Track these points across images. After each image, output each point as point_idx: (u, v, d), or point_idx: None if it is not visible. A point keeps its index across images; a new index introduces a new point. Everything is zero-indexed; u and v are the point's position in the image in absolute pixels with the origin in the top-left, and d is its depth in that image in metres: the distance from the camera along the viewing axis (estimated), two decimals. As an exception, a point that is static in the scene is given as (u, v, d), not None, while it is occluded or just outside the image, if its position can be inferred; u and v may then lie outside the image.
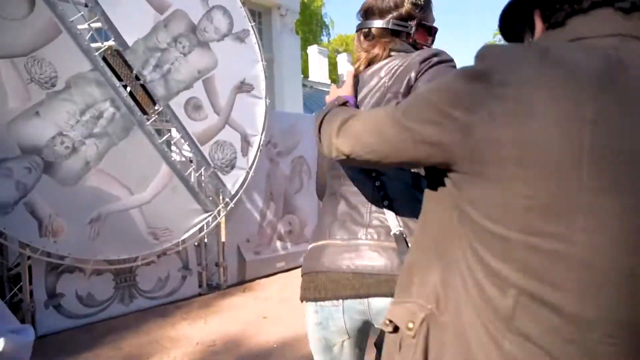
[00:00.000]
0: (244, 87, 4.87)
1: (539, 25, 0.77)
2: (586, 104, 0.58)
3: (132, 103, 4.04)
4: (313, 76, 19.90)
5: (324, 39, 36.05)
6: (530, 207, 0.60)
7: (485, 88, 0.65)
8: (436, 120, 0.73)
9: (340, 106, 1.19)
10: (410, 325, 0.78)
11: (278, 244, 5.61)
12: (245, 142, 4.91)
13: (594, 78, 0.59)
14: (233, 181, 4.83)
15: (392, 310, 0.86)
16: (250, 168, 4.96)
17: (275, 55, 13.14)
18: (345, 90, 1.33)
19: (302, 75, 16.68)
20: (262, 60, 5.03)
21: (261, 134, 5.03)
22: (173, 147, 5.02)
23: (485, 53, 0.70)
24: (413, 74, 1.27)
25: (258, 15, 13.29)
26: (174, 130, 4.62)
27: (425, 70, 1.25)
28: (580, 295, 0.57)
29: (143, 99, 4.20)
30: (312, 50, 20.86)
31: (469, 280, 0.69)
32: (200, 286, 4.91)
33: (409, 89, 1.27)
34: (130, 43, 4.01)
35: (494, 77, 0.65)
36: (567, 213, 0.58)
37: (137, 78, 4.11)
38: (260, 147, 5.03)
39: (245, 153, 4.92)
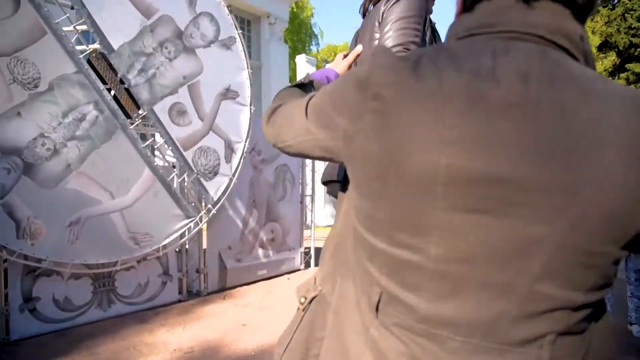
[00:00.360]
0: (229, 93, 4.89)
1: (457, 7, 0.73)
2: (446, 124, 0.57)
3: (115, 106, 4.03)
4: (301, 85, 19.95)
5: (313, 48, 36.26)
6: (391, 221, 0.63)
7: (364, 99, 0.64)
8: (328, 124, 0.73)
9: (295, 87, 1.09)
10: (302, 300, 0.91)
11: (260, 251, 5.61)
12: (229, 148, 4.92)
13: (460, 94, 0.58)
14: (216, 187, 4.83)
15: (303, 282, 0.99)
16: (234, 175, 4.96)
17: (263, 63, 13.18)
18: (335, 65, 1.25)
19: (290, 84, 16.71)
20: (247, 68, 5.05)
21: (245, 141, 5.04)
22: (156, 152, 5.00)
23: (373, 59, 0.66)
24: (382, 8, 1.26)
25: (247, 22, 13.33)
26: (157, 135, 4.61)
27: (391, 6, 1.24)
28: (433, 299, 0.62)
29: (127, 102, 4.19)
30: (301, 59, 20.92)
31: (354, 270, 0.75)
32: (180, 292, 4.88)
33: (378, 25, 1.27)
34: (115, 47, 4.00)
35: (370, 89, 0.64)
36: (423, 229, 0.61)
37: (122, 82, 4.10)
38: (244, 154, 5.04)
39: (229, 160, 4.92)
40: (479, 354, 0.61)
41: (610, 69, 20.52)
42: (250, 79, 5.11)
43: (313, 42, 35.82)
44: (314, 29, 35.06)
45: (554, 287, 0.58)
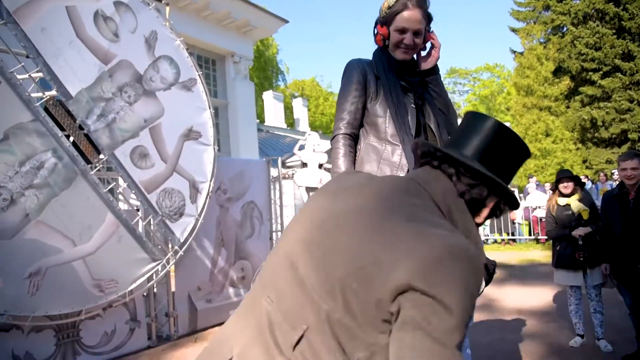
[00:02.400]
0: (191, 134, 4.92)
1: None
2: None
3: (75, 153, 4.00)
4: (269, 121, 20.15)
5: (280, 84, 36.81)
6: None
7: None
8: None
9: None
10: None
11: (231, 290, 5.54)
12: (194, 189, 4.91)
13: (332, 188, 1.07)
14: (182, 229, 4.78)
15: None
16: (200, 215, 4.94)
17: (229, 101, 13.28)
18: None
19: (258, 120, 16.85)
20: (209, 108, 5.11)
21: (210, 181, 5.05)
22: (119, 196, 4.95)
23: None
24: None
25: (212, 62, 13.47)
26: (120, 179, 4.57)
27: None
28: (268, 270, 1.02)
29: (87, 148, 4.16)
30: (268, 95, 21.19)
31: None
32: (149, 338, 4.75)
33: None
34: (73, 93, 4.01)
35: None
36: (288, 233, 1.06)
37: (81, 128, 4.08)
38: (210, 194, 5.03)
39: (194, 200, 4.91)
40: None
41: (565, 92, 21.43)
42: (212, 119, 5.16)
43: (280, 78, 36.34)
44: (280, 65, 35.65)
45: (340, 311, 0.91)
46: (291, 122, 24.07)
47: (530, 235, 11.86)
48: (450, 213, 0.97)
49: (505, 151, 1.03)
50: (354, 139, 2.10)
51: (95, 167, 4.18)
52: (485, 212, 1.04)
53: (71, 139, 4.05)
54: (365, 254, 0.84)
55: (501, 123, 1.05)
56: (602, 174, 13.19)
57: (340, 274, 0.85)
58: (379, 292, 0.81)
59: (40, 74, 3.90)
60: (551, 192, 4.57)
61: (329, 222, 0.93)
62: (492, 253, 10.20)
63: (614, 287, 4.04)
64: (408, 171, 1.90)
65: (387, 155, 1.96)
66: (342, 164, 2.01)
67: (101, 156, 4.24)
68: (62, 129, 4.00)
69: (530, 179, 13.30)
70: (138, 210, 4.69)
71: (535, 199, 11.64)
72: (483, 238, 12.42)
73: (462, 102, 47.10)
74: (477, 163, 0.99)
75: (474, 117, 1.08)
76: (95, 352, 4.27)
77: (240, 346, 0.94)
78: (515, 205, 1.07)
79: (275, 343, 0.89)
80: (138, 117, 4.47)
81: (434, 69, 2.10)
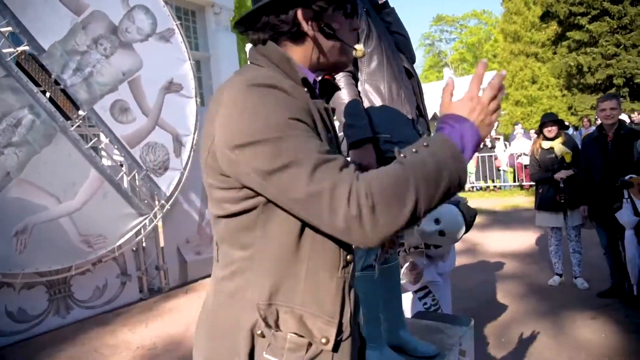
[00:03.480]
0: (172, 87, 4.82)
1: None
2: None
3: (52, 109, 3.91)
4: (253, 74, 19.71)
5: (264, 36, 35.78)
6: None
7: None
8: None
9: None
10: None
11: (220, 242, 5.60)
12: (178, 142, 4.87)
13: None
14: (168, 183, 4.78)
15: None
16: (185, 168, 4.92)
17: (211, 54, 12.95)
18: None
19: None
20: (190, 59, 4.99)
21: (194, 134, 5.00)
22: (102, 152, 4.89)
23: None
24: None
25: (192, 13, 13.01)
26: (102, 135, 4.50)
27: None
28: None
29: (65, 104, 4.07)
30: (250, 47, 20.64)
31: None
32: (141, 291, 4.83)
33: None
34: (46, 47, 3.87)
35: None
36: None
37: (57, 83, 3.97)
38: (194, 147, 5.00)
39: (178, 153, 4.88)
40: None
41: (552, 38, 21.19)
42: (193, 70, 5.05)
43: (263, 30, 35.29)
44: (263, 16, 34.55)
45: (211, 205, 0.94)
46: (276, 75, 23.56)
47: (514, 181, 12.04)
48: (278, 64, 0.90)
49: None
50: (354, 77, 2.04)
51: (75, 123, 4.11)
52: (309, 34, 0.91)
53: (47, 94, 3.95)
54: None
55: None
56: (585, 120, 13.27)
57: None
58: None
59: (10, 28, 3.75)
60: (535, 136, 4.62)
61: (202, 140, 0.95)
62: (477, 200, 10.38)
63: (593, 228, 4.16)
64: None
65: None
66: (345, 95, 1.88)
67: (80, 112, 4.15)
68: (37, 84, 3.89)
69: (515, 126, 13.36)
70: (122, 165, 4.65)
71: (520, 145, 11.73)
72: (468, 186, 12.60)
73: (448, 50, 46.48)
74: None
75: None
76: (87, 306, 4.35)
77: None
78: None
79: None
80: (116, 70, 4.36)
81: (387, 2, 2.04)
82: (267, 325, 0.84)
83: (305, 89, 0.90)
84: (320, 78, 1.02)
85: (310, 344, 0.84)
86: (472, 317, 2.29)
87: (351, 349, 0.91)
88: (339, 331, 0.87)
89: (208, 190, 0.92)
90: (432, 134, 1.89)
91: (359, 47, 1.01)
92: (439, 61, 46.29)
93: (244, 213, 0.85)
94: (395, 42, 1.95)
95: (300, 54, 0.95)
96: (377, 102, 1.73)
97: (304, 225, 0.84)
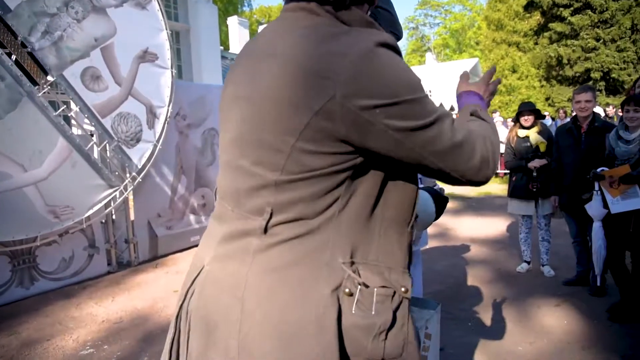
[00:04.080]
0: (147, 56, 4.66)
1: None
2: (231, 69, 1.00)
3: (19, 73, 3.74)
4: (234, 48, 19.36)
5: (246, 9, 35.15)
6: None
7: None
8: None
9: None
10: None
11: (192, 217, 5.53)
12: (151, 114, 4.73)
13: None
14: (140, 155, 4.66)
15: None
16: (158, 141, 4.80)
17: (191, 26, 12.61)
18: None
19: (222, 47, 16.17)
20: (166, 29, 4.83)
21: (168, 106, 4.87)
22: (72, 121, 4.73)
23: None
24: None
25: (172, -18, 12.63)
26: (72, 103, 4.34)
27: None
28: (221, 184, 0.99)
29: (32, 68, 3.90)
30: (232, 21, 20.20)
31: None
32: (109, 264, 4.75)
33: None
34: (12, 6, 3.68)
35: None
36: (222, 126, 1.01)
37: (24, 45, 3.79)
38: (168, 119, 4.87)
39: (151, 125, 4.75)
40: (237, 220, 0.90)
41: (535, 28, 21.33)
42: (170, 41, 4.89)
43: (245, 3, 34.66)
44: (246, -10, 33.86)
45: (259, 168, 0.85)
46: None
47: (489, 169, 12.17)
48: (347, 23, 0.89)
49: None
50: None
51: (43, 88, 3.94)
52: None
53: (13, 57, 3.77)
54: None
55: None
56: (561, 111, 13.47)
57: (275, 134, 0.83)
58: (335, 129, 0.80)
59: (-27, -17, 3.55)
60: (512, 124, 4.64)
61: (250, 107, 0.86)
62: (452, 185, 10.48)
63: (562, 218, 4.23)
64: None
65: None
66: None
67: (49, 77, 3.99)
68: (2, 46, 3.71)
69: (493, 114, 13.47)
70: (92, 135, 4.51)
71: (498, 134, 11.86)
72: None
73: (432, 35, 46.42)
74: None
75: None
76: (53, 277, 4.25)
77: (211, 255, 0.93)
78: None
79: (244, 238, 0.88)
80: (88, 36, 4.19)
81: None
82: (356, 283, 0.84)
83: None
84: None
85: (394, 294, 0.87)
86: (439, 301, 2.30)
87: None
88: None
89: (288, 154, 0.81)
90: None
91: None
92: (421, 45, 46.21)
93: (332, 174, 0.83)
94: (378, 17, 1.90)
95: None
96: None
97: (384, 184, 0.88)
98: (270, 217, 0.85)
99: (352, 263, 0.85)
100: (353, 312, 0.83)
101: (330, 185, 0.83)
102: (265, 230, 0.85)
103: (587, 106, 3.70)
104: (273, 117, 0.82)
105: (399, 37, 2.08)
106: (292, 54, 0.81)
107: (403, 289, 0.89)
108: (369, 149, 0.81)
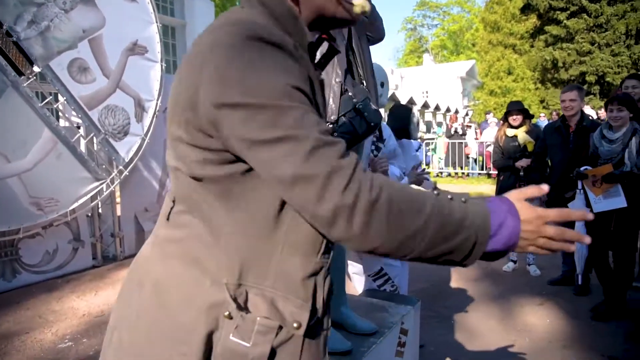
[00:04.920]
0: (136, 49, 4.63)
1: None
2: None
3: (3, 62, 3.71)
4: (230, 45, 19.31)
5: (244, 7, 35.05)
6: None
7: None
8: None
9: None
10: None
11: (180, 213, 5.49)
12: (140, 107, 4.70)
13: None
14: (127, 148, 4.62)
15: None
16: (146, 134, 4.77)
17: (187, 22, 12.56)
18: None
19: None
20: (156, 22, 4.80)
21: (157, 99, 4.84)
22: (59, 113, 4.70)
23: None
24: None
25: (168, -23, 12.58)
26: (59, 95, 4.30)
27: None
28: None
29: (17, 58, 3.85)
30: (229, 18, 20.16)
31: None
32: (94, 258, 4.71)
33: None
34: (-2, -5, 3.65)
35: None
36: None
37: (9, 34, 3.75)
38: (157, 113, 4.84)
39: (140, 119, 4.72)
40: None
41: (531, 31, 21.41)
42: (160, 34, 4.86)
43: None
44: (244, -13, 33.83)
45: (172, 158, 0.81)
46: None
47: (483, 170, 12.23)
48: (279, 19, 0.80)
49: None
50: None
51: (28, 79, 3.90)
52: None
53: (-2, 46, 3.74)
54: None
55: None
56: (554, 113, 13.54)
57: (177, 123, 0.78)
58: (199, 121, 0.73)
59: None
60: (501, 123, 4.64)
61: (171, 98, 0.81)
62: (445, 185, 10.51)
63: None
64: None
65: None
66: None
67: (35, 68, 3.95)
68: (-13, 34, 3.67)
69: (487, 115, 13.51)
70: (79, 127, 4.48)
71: (490, 134, 11.88)
72: (437, 171, 12.73)
73: (430, 36, 46.50)
74: None
75: None
76: (36, 270, 4.21)
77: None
78: None
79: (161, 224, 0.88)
80: (76, 27, 4.15)
81: None
82: (238, 306, 0.76)
83: (308, 54, 0.80)
84: (317, 35, 0.88)
85: (280, 328, 0.78)
86: (420, 298, 2.29)
87: (323, 335, 0.86)
88: (312, 316, 0.80)
89: (172, 142, 0.79)
90: (373, 107, 1.79)
91: (358, 1, 0.84)
92: (419, 46, 46.30)
93: (215, 179, 0.75)
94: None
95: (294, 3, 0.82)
96: None
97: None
98: (174, 206, 0.82)
99: (240, 285, 0.77)
100: (231, 337, 0.76)
101: (216, 191, 0.76)
102: (168, 218, 0.83)
103: (572, 105, 3.70)
104: (172, 107, 0.78)
105: (378, 39, 2.05)
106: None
107: (295, 325, 0.78)
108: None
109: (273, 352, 0.77)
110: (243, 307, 0.76)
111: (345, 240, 0.69)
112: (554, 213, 0.76)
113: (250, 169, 0.74)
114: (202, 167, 0.75)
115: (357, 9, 0.84)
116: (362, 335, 1.91)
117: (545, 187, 0.78)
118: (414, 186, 0.71)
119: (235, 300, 0.76)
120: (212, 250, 0.78)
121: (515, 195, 0.77)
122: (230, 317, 0.76)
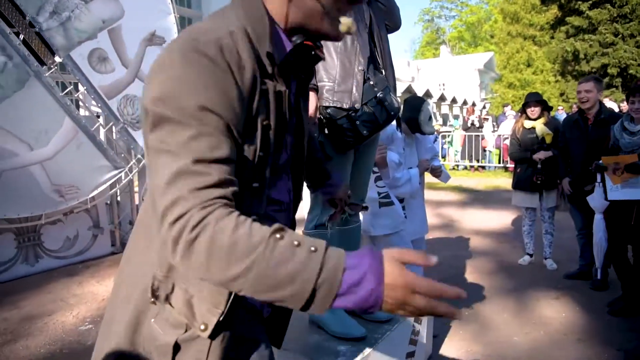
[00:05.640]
0: (154, 39, 4.68)
1: None
2: None
3: (26, 52, 3.78)
4: (247, 36, 19.36)
5: (261, -2, 35.00)
6: None
7: None
8: None
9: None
10: None
11: (197, 202, 5.56)
12: (158, 97, 4.75)
13: None
14: (145, 138, 4.68)
15: None
16: (164, 124, 4.82)
17: (204, 13, 12.62)
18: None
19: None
20: (174, 12, 4.83)
21: (175, 90, 4.88)
22: (79, 102, 4.77)
23: None
24: None
25: (186, -31, 12.64)
26: (79, 84, 4.38)
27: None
28: None
29: (40, 48, 3.93)
30: (246, 9, 20.19)
31: None
32: (113, 245, 4.81)
33: None
34: (21, -14, 3.71)
35: None
36: None
37: (32, 25, 3.83)
38: (174, 103, 4.89)
39: (157, 109, 4.76)
40: None
41: (551, 22, 21.00)
42: (177, 25, 4.89)
43: (260, -8, 34.49)
44: (261, -22, 33.71)
45: None
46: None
47: (500, 163, 12.10)
48: (249, 20, 0.82)
49: None
50: None
51: (50, 68, 3.98)
52: None
53: (21, 37, 3.81)
54: None
55: None
56: (574, 106, 13.30)
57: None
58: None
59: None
60: (519, 114, 4.59)
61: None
62: (461, 178, 10.44)
63: (567, 211, 4.19)
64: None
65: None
66: None
67: (56, 58, 4.02)
68: (10, 25, 3.74)
69: (505, 108, 13.34)
70: (98, 116, 4.55)
71: (508, 127, 11.73)
72: (453, 164, 12.64)
73: (447, 27, 45.92)
74: None
75: None
76: (57, 256, 4.32)
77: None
78: None
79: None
80: (95, 17, 4.21)
81: None
82: (155, 297, 0.84)
83: (269, 63, 0.81)
84: (299, 41, 0.88)
85: (187, 326, 0.83)
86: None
87: (245, 347, 0.90)
88: (225, 322, 0.83)
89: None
90: (393, 96, 1.79)
91: (346, 20, 0.85)
92: (436, 38, 45.78)
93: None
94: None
95: (276, 5, 0.85)
96: (329, 48, 1.70)
97: None
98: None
99: (167, 277, 0.83)
100: (152, 321, 0.84)
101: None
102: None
103: (587, 96, 3.63)
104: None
105: (395, 28, 2.05)
106: None
107: (202, 327, 0.81)
108: None
109: (178, 346, 0.83)
110: (163, 298, 0.84)
111: (175, 264, 0.72)
112: (425, 285, 0.67)
113: None
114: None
115: (343, 28, 0.86)
116: (376, 322, 1.94)
117: (433, 259, 0.69)
118: (264, 227, 0.68)
119: (154, 290, 0.84)
120: (155, 240, 0.85)
121: (391, 255, 0.69)
122: (154, 302, 0.85)
